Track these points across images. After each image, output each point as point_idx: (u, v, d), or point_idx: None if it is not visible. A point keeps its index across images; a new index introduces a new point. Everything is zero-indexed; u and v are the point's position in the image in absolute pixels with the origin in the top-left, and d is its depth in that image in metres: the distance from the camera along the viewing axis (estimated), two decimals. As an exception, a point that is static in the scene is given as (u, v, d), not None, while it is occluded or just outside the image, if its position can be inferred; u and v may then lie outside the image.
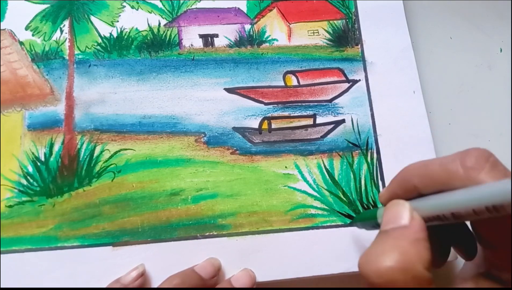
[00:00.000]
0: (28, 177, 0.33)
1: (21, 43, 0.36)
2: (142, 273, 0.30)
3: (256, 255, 0.31)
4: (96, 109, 0.35)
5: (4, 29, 0.36)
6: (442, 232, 0.24)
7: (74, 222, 0.32)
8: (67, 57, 0.36)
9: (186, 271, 0.30)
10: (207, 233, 0.32)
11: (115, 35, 0.37)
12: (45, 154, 0.33)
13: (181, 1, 0.38)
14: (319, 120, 0.35)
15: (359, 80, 0.36)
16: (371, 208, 0.33)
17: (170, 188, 0.33)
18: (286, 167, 0.34)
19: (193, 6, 0.38)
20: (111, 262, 0.31)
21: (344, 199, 0.33)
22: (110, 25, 0.37)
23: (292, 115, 0.35)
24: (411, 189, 0.23)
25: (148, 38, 0.37)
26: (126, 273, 0.30)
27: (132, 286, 0.29)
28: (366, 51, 0.37)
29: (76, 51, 0.36)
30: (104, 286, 0.30)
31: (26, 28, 0.36)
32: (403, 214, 0.21)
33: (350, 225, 0.32)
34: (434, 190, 0.22)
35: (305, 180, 0.33)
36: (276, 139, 0.35)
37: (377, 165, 0.34)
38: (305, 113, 0.35)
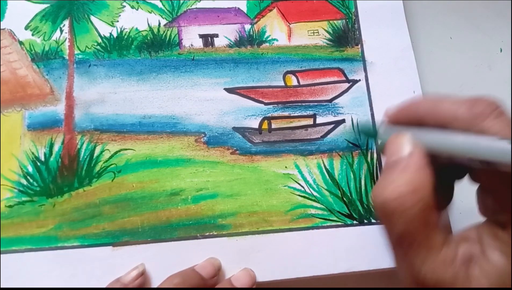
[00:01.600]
0: (28, 177, 0.33)
1: (21, 43, 0.36)
2: (142, 272, 0.30)
3: (256, 255, 0.31)
4: (96, 109, 0.35)
5: (4, 29, 0.36)
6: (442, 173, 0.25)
7: (74, 222, 0.32)
8: (67, 57, 0.36)
9: (186, 270, 0.30)
10: (207, 233, 0.32)
11: (115, 35, 0.37)
12: (45, 154, 0.33)
13: (181, 1, 0.38)
14: (319, 120, 0.35)
15: (359, 80, 0.36)
16: (372, 209, 0.33)
17: (170, 188, 0.33)
18: (286, 167, 0.34)
19: (193, 6, 0.38)
20: (111, 262, 0.31)
21: (344, 199, 0.33)
22: (110, 25, 0.37)
23: (292, 115, 0.35)
24: (415, 118, 0.24)
25: (148, 38, 0.37)
26: (126, 272, 0.30)
27: (132, 285, 0.29)
28: (366, 51, 0.37)
29: (76, 51, 0.36)
30: (104, 286, 0.30)
31: (26, 28, 0.36)
32: (404, 145, 0.23)
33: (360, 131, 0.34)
34: (439, 126, 0.23)
35: (305, 180, 0.33)
36: (276, 139, 0.35)
37: (377, 165, 0.34)
38: (305, 113, 0.35)
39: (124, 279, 0.29)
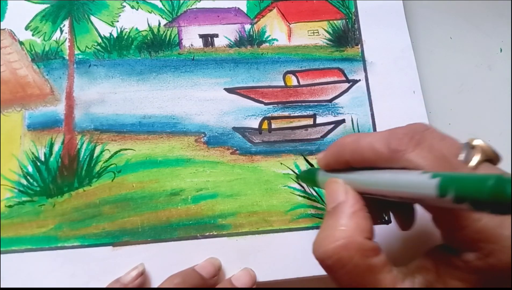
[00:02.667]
0: (28, 177, 0.33)
1: (21, 43, 0.36)
2: (142, 272, 0.30)
3: (256, 255, 0.31)
4: (96, 109, 0.35)
5: (4, 29, 0.36)
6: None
7: (74, 222, 0.32)
8: (67, 57, 0.36)
9: (186, 270, 0.30)
10: (207, 233, 0.32)
11: (115, 35, 0.37)
12: (45, 154, 0.33)
13: (181, 1, 0.38)
14: (319, 120, 0.35)
15: (359, 80, 0.36)
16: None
17: (170, 188, 0.33)
18: (286, 167, 0.34)
19: (193, 6, 0.38)
20: (111, 262, 0.31)
21: (344, 199, 0.33)
22: (110, 25, 0.37)
23: (292, 115, 0.35)
24: (343, 162, 0.24)
25: (148, 38, 0.37)
26: (126, 272, 0.30)
27: (132, 285, 0.29)
28: (366, 51, 0.37)
29: (76, 51, 0.36)
30: (104, 286, 0.30)
31: (26, 28, 0.36)
32: (338, 191, 0.23)
33: (296, 181, 0.33)
34: (365, 166, 0.22)
35: (305, 180, 0.33)
36: (276, 139, 0.35)
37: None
38: (305, 113, 0.35)
39: (123, 279, 0.29)
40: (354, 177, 0.23)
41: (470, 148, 0.20)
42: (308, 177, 0.30)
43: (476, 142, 0.21)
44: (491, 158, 0.21)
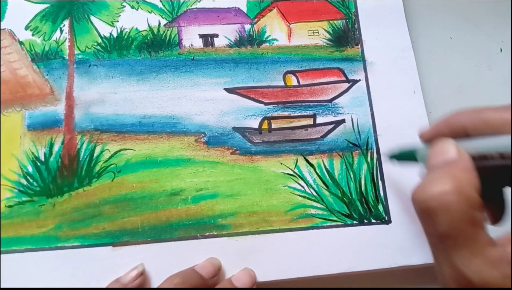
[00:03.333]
0: (28, 177, 0.33)
1: (21, 43, 0.36)
2: (142, 272, 0.30)
3: (256, 255, 0.31)
4: (96, 109, 0.35)
5: (4, 29, 0.36)
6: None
7: (74, 222, 0.32)
8: (67, 57, 0.36)
9: (186, 270, 0.30)
10: (207, 233, 0.32)
11: (115, 35, 0.37)
12: (45, 154, 0.33)
13: (181, 1, 0.38)
14: (319, 120, 0.35)
15: (359, 80, 0.36)
16: (372, 208, 0.33)
17: (170, 188, 0.33)
18: (286, 167, 0.34)
19: (193, 6, 0.38)
20: (111, 262, 0.31)
21: (344, 199, 0.33)
22: (110, 25, 0.37)
23: (292, 115, 0.35)
24: (459, 130, 0.24)
25: (148, 38, 0.37)
26: (126, 272, 0.30)
27: (132, 285, 0.29)
28: (366, 51, 0.37)
29: (76, 51, 0.36)
30: (104, 286, 0.30)
31: (26, 28, 0.36)
32: (450, 149, 0.23)
33: (389, 159, 0.32)
34: (483, 134, 0.23)
35: (305, 180, 0.33)
36: (276, 139, 0.35)
37: (377, 165, 0.34)
38: (305, 113, 0.35)
39: (123, 279, 0.29)
40: (471, 141, 0.23)
41: None
42: (405, 153, 0.30)
43: None
44: None
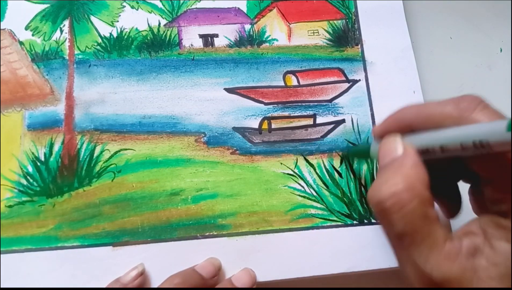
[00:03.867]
0: (28, 177, 0.33)
1: (21, 43, 0.36)
2: (142, 272, 0.30)
3: (256, 255, 0.31)
4: (96, 109, 0.35)
5: (4, 29, 0.36)
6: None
7: (74, 222, 0.32)
8: (67, 57, 0.36)
9: (186, 270, 0.30)
10: (207, 233, 0.32)
11: (115, 35, 0.37)
12: (45, 154, 0.33)
13: (181, 1, 0.38)
14: (319, 120, 0.35)
15: (359, 80, 0.36)
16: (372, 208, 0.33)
17: (170, 188, 0.33)
18: (286, 167, 0.34)
19: (193, 6, 0.38)
20: (111, 262, 0.31)
21: (344, 199, 0.33)
22: (110, 25, 0.37)
23: (292, 115, 0.35)
24: (405, 126, 0.25)
25: (148, 38, 0.37)
26: (125, 272, 0.30)
27: (132, 285, 0.29)
28: (366, 51, 0.37)
29: (76, 51, 0.36)
30: (104, 286, 0.30)
31: (26, 28, 0.36)
32: (397, 146, 0.23)
33: (343, 156, 0.33)
34: (427, 128, 0.23)
35: (305, 180, 0.33)
36: (276, 139, 0.35)
37: (377, 165, 0.34)
38: (305, 113, 0.35)
39: (123, 279, 0.29)
40: (414, 135, 0.24)
41: None
42: (359, 150, 0.30)
43: None
44: None
